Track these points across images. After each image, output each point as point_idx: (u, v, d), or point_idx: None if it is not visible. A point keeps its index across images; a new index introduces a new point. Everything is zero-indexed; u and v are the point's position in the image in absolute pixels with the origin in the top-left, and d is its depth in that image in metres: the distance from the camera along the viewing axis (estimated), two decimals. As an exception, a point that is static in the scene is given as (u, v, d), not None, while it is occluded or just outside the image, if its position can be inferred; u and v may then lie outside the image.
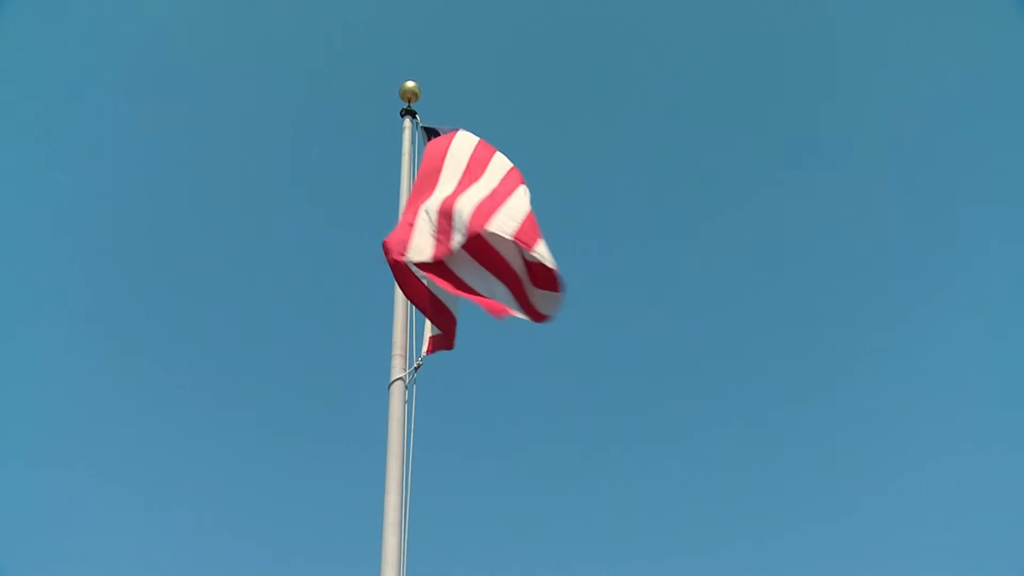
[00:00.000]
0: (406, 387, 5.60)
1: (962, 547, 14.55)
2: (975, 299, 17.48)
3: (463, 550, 15.23)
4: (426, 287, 5.62)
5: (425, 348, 5.80)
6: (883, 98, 19.03)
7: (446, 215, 5.60)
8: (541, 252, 5.38)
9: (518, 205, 5.66)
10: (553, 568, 15.15)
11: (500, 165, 6.24)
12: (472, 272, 5.59)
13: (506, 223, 5.47)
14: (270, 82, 19.60)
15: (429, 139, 7.02)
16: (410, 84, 7.36)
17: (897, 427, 16.83)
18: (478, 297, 5.46)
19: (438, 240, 5.52)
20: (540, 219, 5.73)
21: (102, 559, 14.52)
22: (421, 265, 5.46)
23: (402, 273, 5.47)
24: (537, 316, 5.57)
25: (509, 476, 17.10)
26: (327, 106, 19.73)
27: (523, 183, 5.98)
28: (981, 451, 15.76)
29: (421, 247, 5.53)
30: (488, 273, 5.59)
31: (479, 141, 6.52)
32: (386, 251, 5.45)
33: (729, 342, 18.69)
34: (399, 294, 5.92)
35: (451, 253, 5.48)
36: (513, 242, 5.44)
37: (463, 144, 6.45)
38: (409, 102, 7.26)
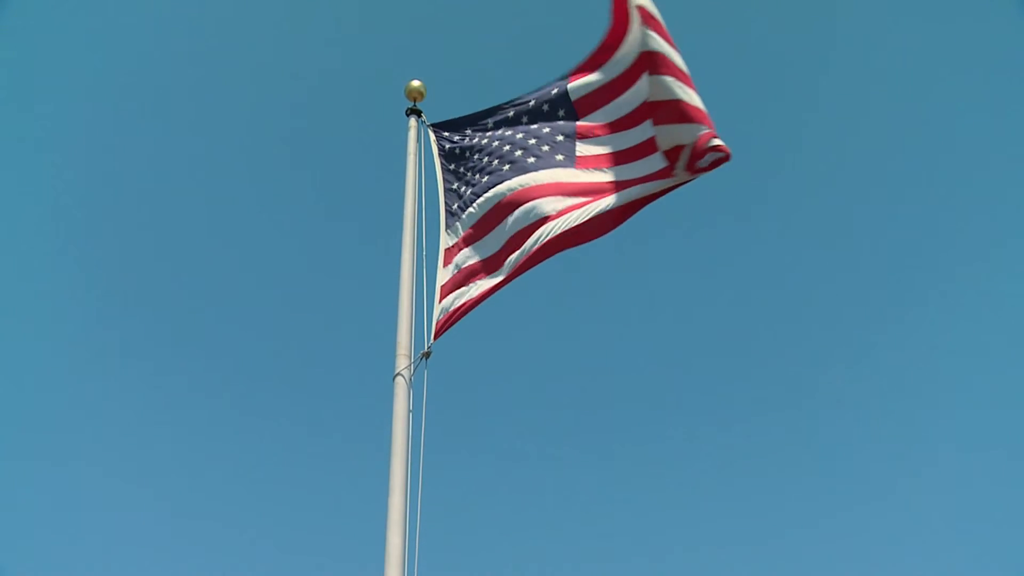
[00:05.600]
0: (408, 385, 5.58)
1: (962, 547, 14.54)
2: (975, 299, 17.48)
3: (468, 550, 15.22)
4: None
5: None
6: (882, 98, 19.03)
7: None
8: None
9: None
10: (559, 566, 15.14)
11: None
12: None
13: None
14: (275, 81, 19.62)
15: (436, 137, 7.01)
16: (416, 83, 7.33)
17: (897, 427, 16.83)
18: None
19: None
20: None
21: (102, 558, 14.52)
22: None
23: None
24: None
25: (514, 474, 17.10)
26: (332, 105, 19.75)
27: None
28: (982, 451, 15.77)
29: None
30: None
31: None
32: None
33: (730, 343, 18.70)
34: (404, 293, 5.96)
35: None
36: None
37: None
38: (415, 101, 7.24)
